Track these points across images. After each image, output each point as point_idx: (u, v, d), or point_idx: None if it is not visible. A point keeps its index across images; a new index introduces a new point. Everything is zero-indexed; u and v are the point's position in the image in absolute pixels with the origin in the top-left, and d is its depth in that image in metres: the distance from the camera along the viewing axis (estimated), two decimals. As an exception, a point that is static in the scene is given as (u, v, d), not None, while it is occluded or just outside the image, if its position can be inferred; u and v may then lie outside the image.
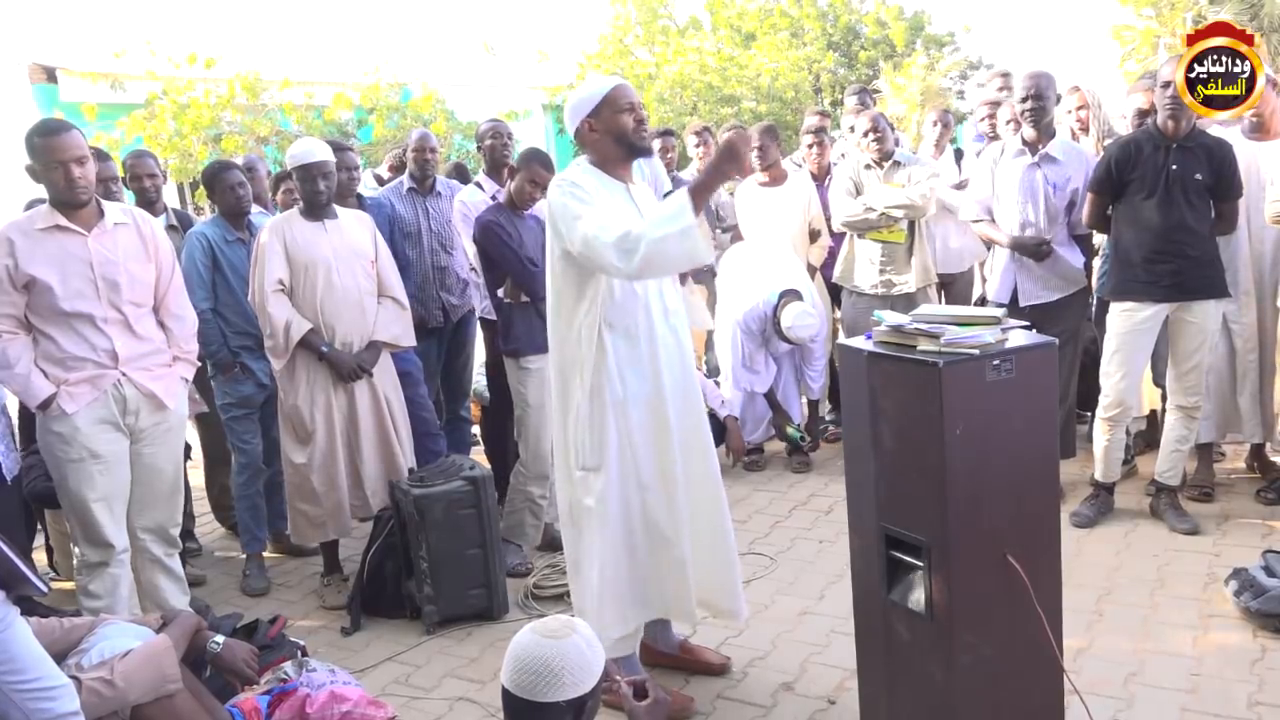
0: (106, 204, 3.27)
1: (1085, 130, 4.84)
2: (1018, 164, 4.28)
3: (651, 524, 2.86)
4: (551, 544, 4.19)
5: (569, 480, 2.91)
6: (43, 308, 3.12)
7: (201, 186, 4.78)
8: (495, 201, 4.25)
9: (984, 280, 4.65)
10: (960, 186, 5.47)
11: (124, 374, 3.23)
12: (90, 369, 3.17)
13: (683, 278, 4.39)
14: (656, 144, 5.54)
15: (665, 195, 2.92)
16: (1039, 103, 4.15)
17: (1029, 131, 4.25)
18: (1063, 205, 4.23)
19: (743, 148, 2.61)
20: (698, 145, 5.89)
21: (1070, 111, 4.92)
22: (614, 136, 2.81)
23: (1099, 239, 4.44)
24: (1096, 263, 4.51)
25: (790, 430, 5.16)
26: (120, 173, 4.60)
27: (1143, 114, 4.18)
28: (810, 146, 5.64)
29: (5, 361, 3.10)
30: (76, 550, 3.29)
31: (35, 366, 3.13)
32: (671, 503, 2.86)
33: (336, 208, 3.91)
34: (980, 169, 4.52)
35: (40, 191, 3.24)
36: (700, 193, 2.63)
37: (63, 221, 3.13)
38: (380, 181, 5.66)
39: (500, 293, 4.02)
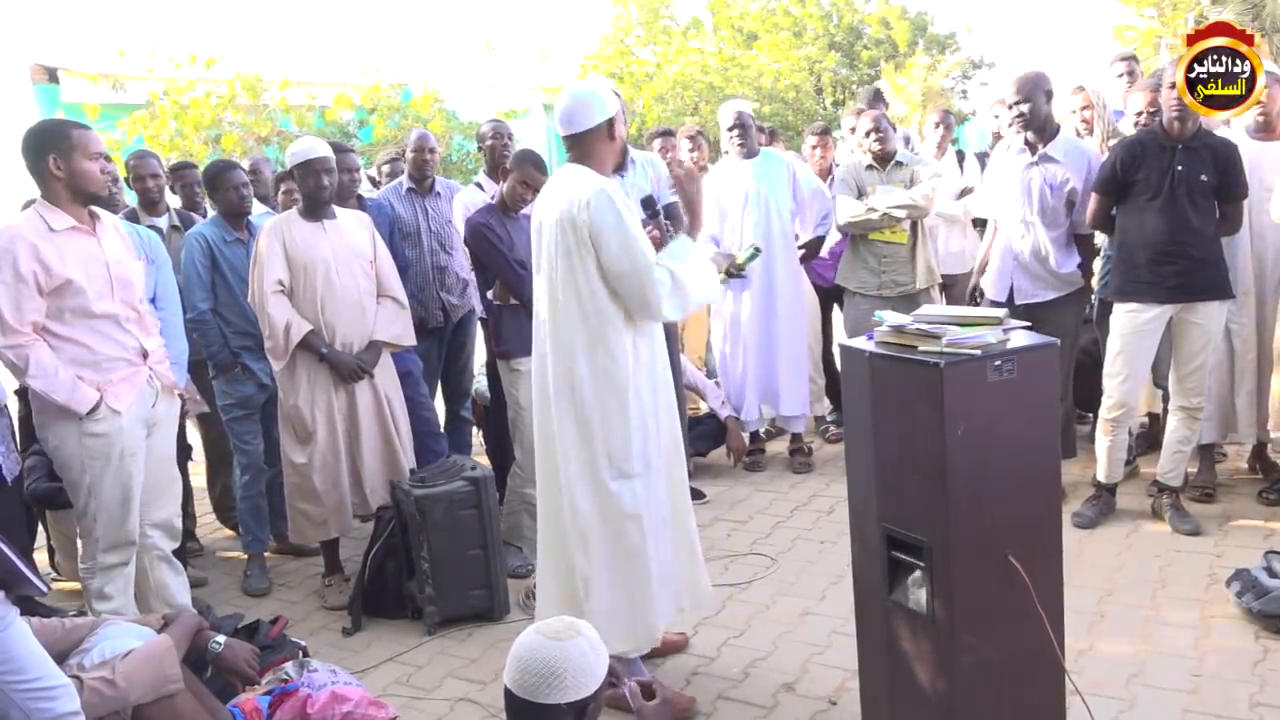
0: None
1: (1090, 130, 4.83)
2: (1018, 162, 4.27)
3: (661, 514, 2.94)
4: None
5: (596, 493, 2.85)
6: (70, 311, 3.04)
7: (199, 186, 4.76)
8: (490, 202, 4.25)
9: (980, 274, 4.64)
10: (963, 194, 5.47)
11: (151, 369, 3.24)
12: (124, 368, 3.15)
13: None
14: (656, 144, 5.55)
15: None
16: (1024, 105, 4.14)
17: (1028, 133, 4.24)
18: (1060, 204, 4.22)
19: (696, 176, 2.93)
20: (691, 150, 5.83)
21: (1074, 111, 4.90)
22: (621, 145, 2.92)
23: (1100, 239, 4.43)
24: (1097, 263, 4.50)
25: (740, 260, 4.79)
26: (122, 173, 4.60)
27: (1142, 115, 4.16)
28: (814, 148, 5.63)
29: (43, 370, 2.99)
30: (94, 556, 3.20)
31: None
32: (674, 484, 2.99)
33: (335, 208, 3.91)
34: (988, 171, 4.53)
35: (36, 192, 3.16)
36: (698, 232, 2.90)
37: (75, 222, 3.07)
38: (373, 183, 5.62)
39: (490, 294, 4.02)
